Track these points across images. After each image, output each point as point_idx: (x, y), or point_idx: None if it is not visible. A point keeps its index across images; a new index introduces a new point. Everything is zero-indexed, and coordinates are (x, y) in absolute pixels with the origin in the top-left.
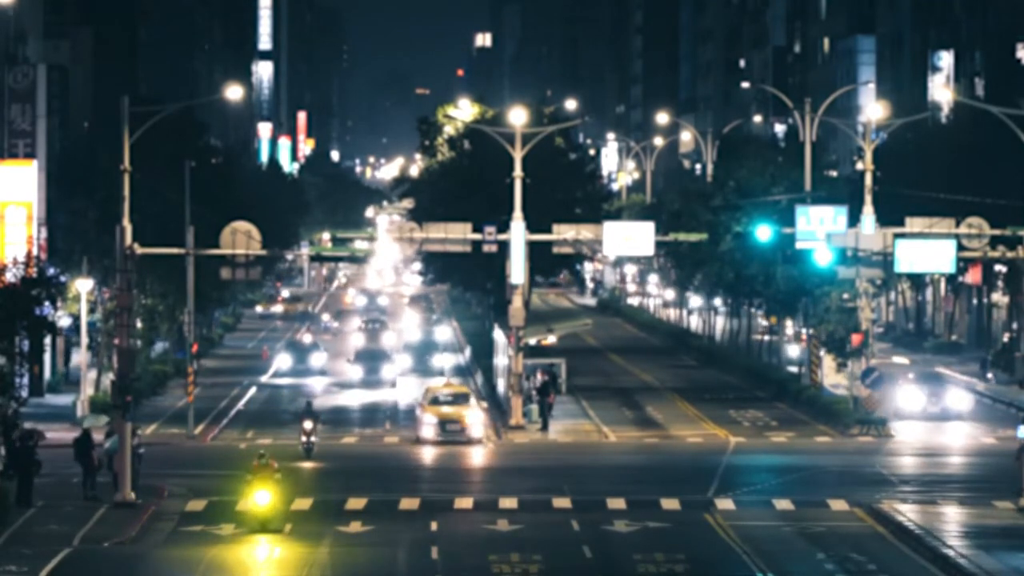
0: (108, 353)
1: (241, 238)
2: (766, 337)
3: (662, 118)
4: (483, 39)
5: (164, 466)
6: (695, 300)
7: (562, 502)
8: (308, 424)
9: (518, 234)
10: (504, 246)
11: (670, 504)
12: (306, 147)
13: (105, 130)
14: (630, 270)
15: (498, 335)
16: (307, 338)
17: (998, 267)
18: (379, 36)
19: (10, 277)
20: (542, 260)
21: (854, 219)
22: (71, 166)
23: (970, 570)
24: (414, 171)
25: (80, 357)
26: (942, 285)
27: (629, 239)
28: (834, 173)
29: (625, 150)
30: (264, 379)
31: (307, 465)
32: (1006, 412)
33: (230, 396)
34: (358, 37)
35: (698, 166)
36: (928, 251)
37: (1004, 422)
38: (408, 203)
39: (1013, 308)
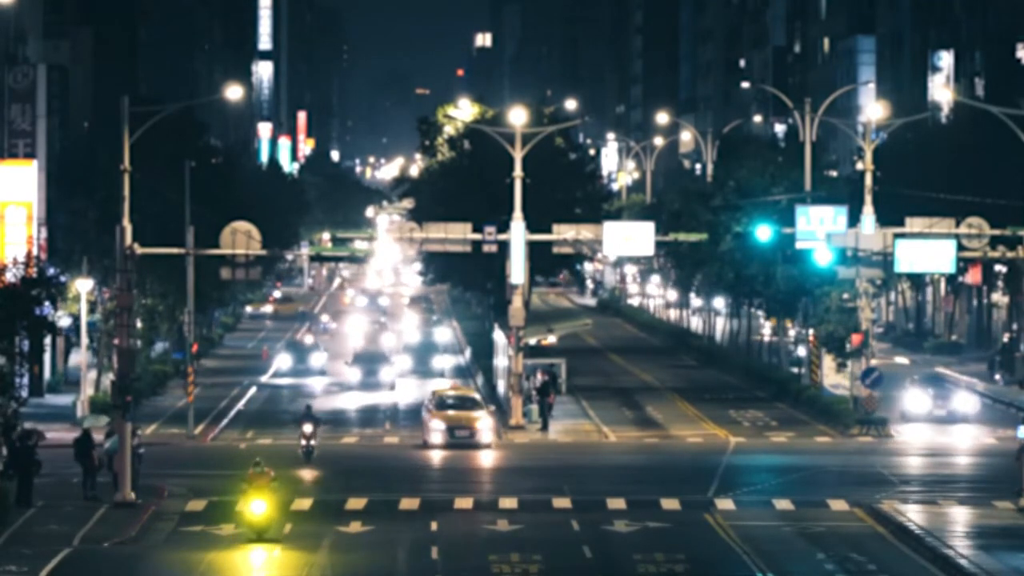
0: (108, 353)
1: (241, 238)
2: (772, 338)
3: (662, 118)
4: (483, 39)
5: (164, 466)
6: (696, 300)
7: (562, 502)
8: (308, 428)
9: (518, 234)
10: (504, 246)
11: (670, 504)
12: (306, 147)
13: (105, 130)
14: (630, 270)
15: (498, 335)
16: (308, 338)
17: (998, 267)
18: (379, 36)
19: (10, 277)
20: (542, 260)
21: (854, 219)
22: (71, 166)
23: (970, 570)
24: (414, 171)
25: (80, 357)
26: (942, 285)
27: (629, 239)
28: (834, 173)
29: (625, 150)
30: (264, 379)
31: (307, 470)
32: (1006, 412)
33: (230, 396)
34: (358, 37)
35: (698, 166)
36: (928, 251)
37: (1004, 422)
38: (408, 203)
39: (1013, 308)
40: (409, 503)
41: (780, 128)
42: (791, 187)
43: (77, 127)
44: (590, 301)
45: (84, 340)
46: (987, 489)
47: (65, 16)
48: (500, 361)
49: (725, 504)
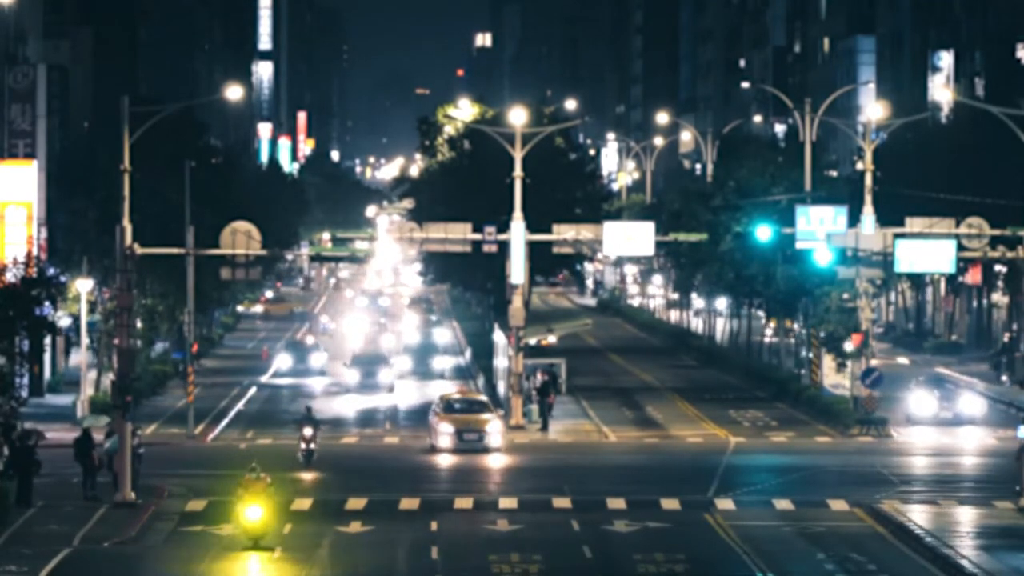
0: (108, 353)
1: (241, 238)
2: (774, 339)
3: (662, 118)
4: (483, 39)
5: (164, 466)
6: (696, 301)
7: (562, 502)
8: (308, 431)
9: (518, 234)
10: (504, 246)
11: (670, 504)
12: (306, 147)
13: (105, 130)
14: (630, 270)
15: (498, 336)
16: (308, 339)
17: (998, 267)
18: (379, 36)
19: (10, 277)
20: (542, 260)
21: (854, 219)
22: (71, 166)
23: (970, 570)
24: (414, 171)
25: (80, 357)
26: (942, 285)
27: (629, 239)
28: (834, 173)
29: (625, 150)
30: (264, 379)
31: (306, 473)
32: (1006, 412)
33: (230, 396)
34: (358, 37)
35: (698, 166)
36: (928, 251)
37: (1004, 422)
38: (408, 203)
39: (1013, 308)
40: (409, 503)
41: (780, 128)
42: (791, 187)
43: (77, 127)
44: (590, 301)
45: (84, 340)
46: (987, 489)
47: (65, 16)
48: (500, 361)
49: (725, 504)
